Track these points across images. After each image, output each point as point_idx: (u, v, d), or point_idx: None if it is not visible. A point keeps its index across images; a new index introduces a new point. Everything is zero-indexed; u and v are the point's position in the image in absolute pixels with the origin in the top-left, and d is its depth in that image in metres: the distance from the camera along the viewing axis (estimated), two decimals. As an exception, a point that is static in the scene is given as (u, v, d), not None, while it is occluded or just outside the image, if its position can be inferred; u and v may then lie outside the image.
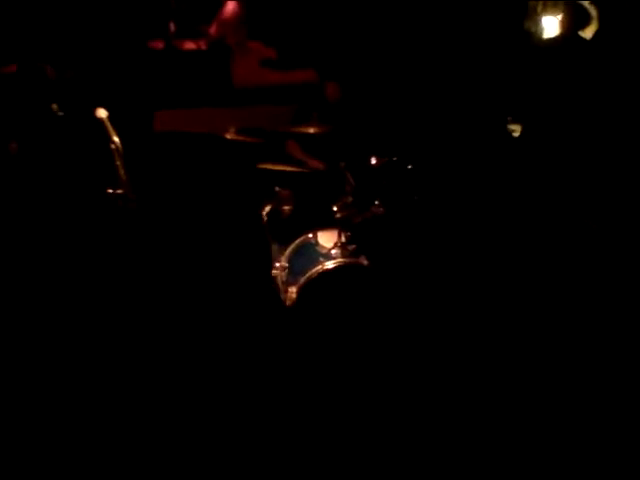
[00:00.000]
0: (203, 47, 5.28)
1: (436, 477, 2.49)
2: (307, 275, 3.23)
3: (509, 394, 2.88)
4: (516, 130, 5.30)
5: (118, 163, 3.07)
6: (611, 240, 3.60)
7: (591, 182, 3.79)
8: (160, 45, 5.00)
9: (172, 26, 5.17)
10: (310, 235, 3.45)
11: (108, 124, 3.02)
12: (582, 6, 4.10)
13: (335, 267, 3.23)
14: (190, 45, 5.19)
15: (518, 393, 2.88)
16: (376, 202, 3.41)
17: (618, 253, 3.56)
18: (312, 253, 3.36)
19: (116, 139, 3.03)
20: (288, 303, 3.25)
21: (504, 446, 2.59)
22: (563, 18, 4.26)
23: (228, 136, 3.37)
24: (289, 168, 3.62)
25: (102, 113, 3.04)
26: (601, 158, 3.79)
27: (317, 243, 3.41)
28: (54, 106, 3.52)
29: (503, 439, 2.63)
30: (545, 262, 3.68)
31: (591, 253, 3.60)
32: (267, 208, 3.57)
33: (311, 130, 3.46)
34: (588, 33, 4.14)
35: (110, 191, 3.48)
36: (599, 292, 3.44)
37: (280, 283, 3.46)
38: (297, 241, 3.48)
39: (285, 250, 3.49)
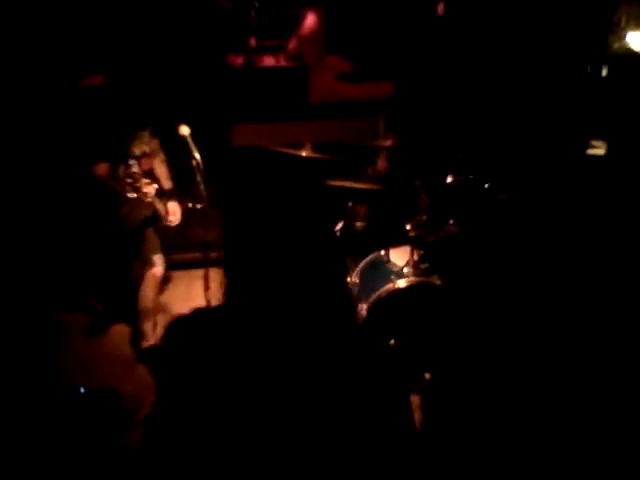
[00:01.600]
0: (282, 62, 5.37)
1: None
2: (378, 293, 3.22)
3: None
4: (599, 147, 5.13)
5: (199, 179, 3.14)
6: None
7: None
8: (240, 61, 5.12)
9: (252, 41, 5.28)
10: (382, 252, 3.45)
11: (190, 141, 3.11)
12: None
13: (407, 286, 3.21)
14: (269, 61, 5.29)
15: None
16: (451, 221, 3.36)
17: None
18: (384, 270, 3.36)
19: (197, 155, 3.11)
20: (358, 320, 3.26)
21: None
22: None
23: (304, 153, 3.39)
24: (361, 185, 3.62)
25: (185, 130, 3.13)
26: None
27: (389, 260, 3.41)
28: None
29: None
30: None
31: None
32: (340, 224, 3.59)
33: (387, 144, 3.45)
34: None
35: (190, 205, 3.61)
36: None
37: (352, 299, 3.47)
38: (369, 258, 3.48)
39: (356, 266, 3.50)
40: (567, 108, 4.59)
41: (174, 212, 3.71)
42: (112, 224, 3.69)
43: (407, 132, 3.78)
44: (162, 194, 3.69)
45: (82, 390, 3.19)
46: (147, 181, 3.51)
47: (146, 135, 3.69)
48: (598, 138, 4.99)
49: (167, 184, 3.76)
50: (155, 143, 3.75)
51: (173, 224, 3.72)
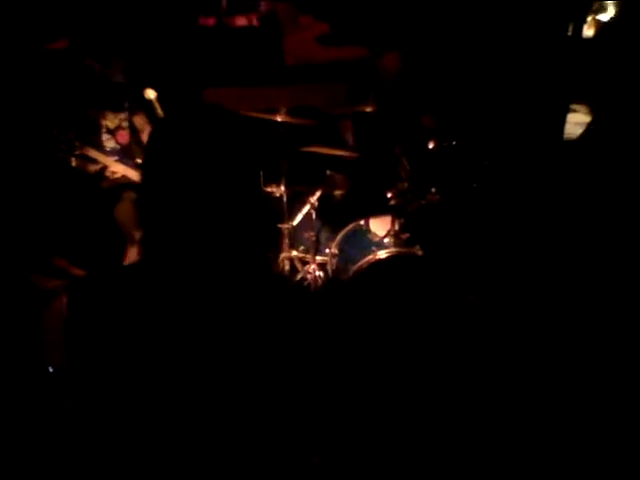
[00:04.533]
0: (255, 23, 5.17)
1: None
2: (358, 264, 3.11)
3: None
4: (579, 110, 5.06)
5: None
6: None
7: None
8: (211, 21, 4.91)
9: (223, 1, 5.06)
10: (362, 222, 3.33)
11: (157, 105, 2.93)
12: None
13: (388, 257, 3.10)
14: (242, 21, 5.08)
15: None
16: (432, 189, 3.25)
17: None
18: (364, 241, 3.24)
19: (165, 120, 2.93)
20: (338, 291, 3.16)
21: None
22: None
23: (279, 118, 3.23)
24: (340, 152, 3.47)
25: (151, 94, 2.96)
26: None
27: (369, 230, 3.29)
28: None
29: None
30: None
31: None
32: (318, 193, 3.44)
33: (368, 109, 3.29)
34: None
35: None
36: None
37: (330, 270, 3.36)
38: (348, 228, 3.36)
39: (336, 236, 3.38)
40: (548, 71, 4.49)
41: None
42: (85, 196, 3.51)
43: (387, 98, 3.63)
44: None
45: (51, 369, 3.04)
46: (114, 158, 3.31)
47: (122, 109, 3.49)
48: (580, 102, 4.92)
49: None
50: (140, 118, 3.55)
51: None
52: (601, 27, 4.79)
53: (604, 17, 4.96)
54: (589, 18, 4.77)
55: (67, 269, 3.61)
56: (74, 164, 3.20)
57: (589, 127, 4.11)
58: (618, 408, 2.64)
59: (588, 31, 5.02)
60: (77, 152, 3.17)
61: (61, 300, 3.23)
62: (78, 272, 3.72)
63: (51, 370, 2.99)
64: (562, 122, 4.63)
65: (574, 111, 5.21)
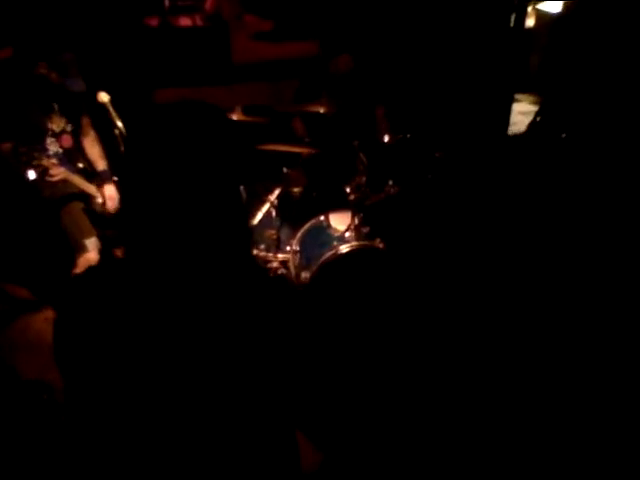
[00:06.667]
0: (199, 22, 5.12)
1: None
2: (321, 260, 3.12)
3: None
4: (522, 100, 5.18)
5: (123, 149, 2.91)
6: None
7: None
8: (155, 22, 4.84)
9: (166, 2, 5.00)
10: (322, 217, 3.33)
11: (111, 108, 2.87)
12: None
13: (349, 251, 3.12)
14: (186, 21, 5.03)
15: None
16: (390, 182, 3.29)
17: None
18: (325, 236, 3.25)
19: (119, 124, 2.87)
20: (301, 288, 3.16)
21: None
22: None
23: (234, 116, 3.21)
24: (296, 149, 3.48)
25: (104, 97, 2.89)
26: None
27: (329, 226, 3.29)
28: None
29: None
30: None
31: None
32: (276, 190, 3.44)
33: (320, 110, 3.30)
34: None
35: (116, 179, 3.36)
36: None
37: (292, 267, 3.36)
38: (309, 224, 3.36)
39: (296, 233, 3.38)
40: (492, 62, 4.58)
41: (111, 197, 3.40)
42: (28, 205, 3.39)
43: (340, 95, 3.64)
44: (93, 176, 3.41)
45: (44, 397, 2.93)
46: (54, 161, 3.21)
47: (65, 111, 3.39)
48: (524, 92, 5.06)
49: (100, 165, 3.45)
50: (85, 120, 3.45)
51: (111, 210, 3.41)
52: (543, 16, 4.94)
53: (545, 7, 5.11)
54: (529, 8, 4.90)
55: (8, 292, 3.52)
56: (30, 174, 3.09)
57: (535, 117, 4.23)
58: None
59: (529, 21, 5.17)
60: (35, 162, 3.07)
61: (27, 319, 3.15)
62: (22, 293, 3.61)
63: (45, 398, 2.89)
64: (508, 112, 4.75)
65: (518, 101, 5.35)
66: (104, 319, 1.13)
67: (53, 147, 3.31)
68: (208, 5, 5.27)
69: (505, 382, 2.80)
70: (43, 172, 3.13)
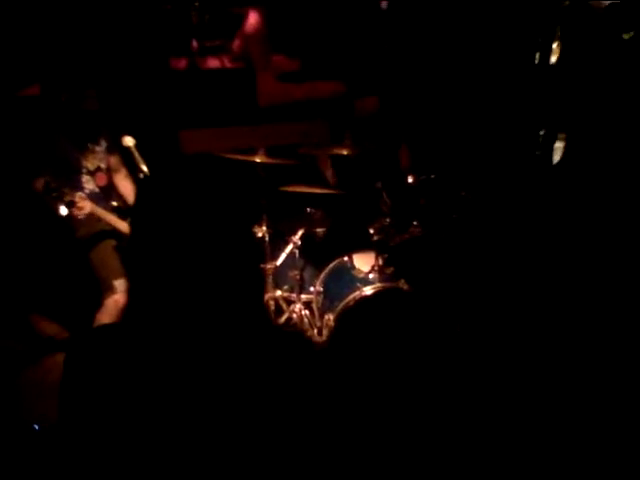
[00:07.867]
0: (227, 64, 5.19)
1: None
2: (344, 302, 3.09)
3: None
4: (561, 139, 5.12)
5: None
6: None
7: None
8: (183, 64, 4.92)
9: (194, 43, 5.09)
10: (346, 258, 3.33)
11: (136, 153, 2.91)
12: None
13: (374, 293, 3.09)
14: (214, 62, 5.10)
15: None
16: (414, 223, 3.26)
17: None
18: (348, 277, 3.23)
19: (144, 168, 2.90)
20: (325, 331, 3.13)
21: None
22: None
23: (258, 159, 3.23)
24: (320, 190, 3.48)
25: (129, 141, 2.93)
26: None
27: (353, 267, 3.29)
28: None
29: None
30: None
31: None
32: (300, 231, 3.44)
33: (344, 152, 3.31)
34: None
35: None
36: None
37: (315, 309, 3.34)
38: (332, 265, 3.35)
39: (320, 274, 3.37)
40: (516, 100, 4.56)
41: None
42: (60, 242, 3.44)
43: (364, 136, 3.65)
44: (127, 214, 3.41)
45: (37, 427, 2.93)
46: (80, 194, 3.24)
47: (101, 150, 3.46)
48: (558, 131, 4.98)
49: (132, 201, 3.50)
50: (115, 159, 3.53)
51: None
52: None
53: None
54: (554, 45, 4.88)
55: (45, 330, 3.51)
56: (62, 210, 3.14)
57: (565, 152, 4.18)
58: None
59: (552, 57, 5.12)
60: (66, 198, 3.11)
61: (55, 358, 3.14)
62: (51, 329, 3.60)
63: (37, 428, 2.89)
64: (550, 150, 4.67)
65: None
66: (112, 369, 1.13)
67: (89, 185, 3.38)
68: (236, 45, 5.35)
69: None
70: (71, 206, 3.16)
